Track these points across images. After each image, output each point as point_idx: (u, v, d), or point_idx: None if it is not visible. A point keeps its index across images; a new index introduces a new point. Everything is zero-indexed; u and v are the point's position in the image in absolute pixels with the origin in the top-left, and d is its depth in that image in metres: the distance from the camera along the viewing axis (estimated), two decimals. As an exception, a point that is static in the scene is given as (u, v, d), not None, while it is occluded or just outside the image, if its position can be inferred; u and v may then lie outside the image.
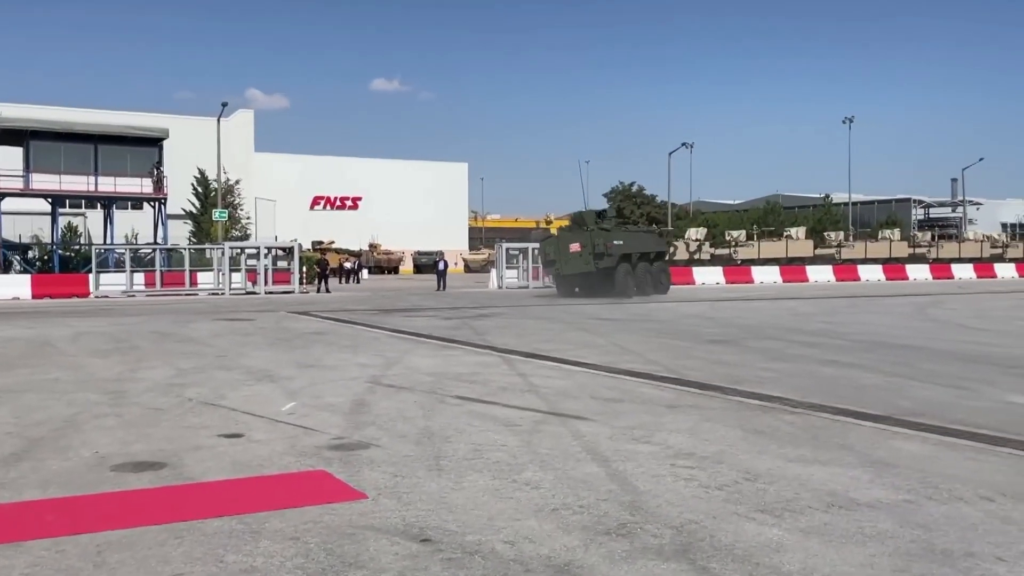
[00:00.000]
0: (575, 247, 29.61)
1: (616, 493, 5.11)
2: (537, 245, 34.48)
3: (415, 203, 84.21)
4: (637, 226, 44.10)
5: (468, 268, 72.40)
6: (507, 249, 39.46)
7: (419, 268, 69.84)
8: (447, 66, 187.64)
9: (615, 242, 29.62)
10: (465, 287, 39.64)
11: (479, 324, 17.92)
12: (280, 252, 36.05)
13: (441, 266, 38.40)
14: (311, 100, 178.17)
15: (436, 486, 5.28)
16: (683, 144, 72.17)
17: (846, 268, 47.65)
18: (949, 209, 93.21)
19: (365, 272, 57.90)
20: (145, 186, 41.54)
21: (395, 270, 72.62)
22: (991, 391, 8.81)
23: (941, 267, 49.91)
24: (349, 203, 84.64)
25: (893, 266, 49.16)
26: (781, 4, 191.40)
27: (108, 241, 43.55)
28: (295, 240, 38.55)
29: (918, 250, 57.57)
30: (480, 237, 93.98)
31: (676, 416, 7.59)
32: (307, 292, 34.82)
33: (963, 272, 49.26)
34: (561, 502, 4.93)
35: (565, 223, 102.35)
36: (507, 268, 38.62)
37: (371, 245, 74.25)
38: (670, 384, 9.46)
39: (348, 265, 51.32)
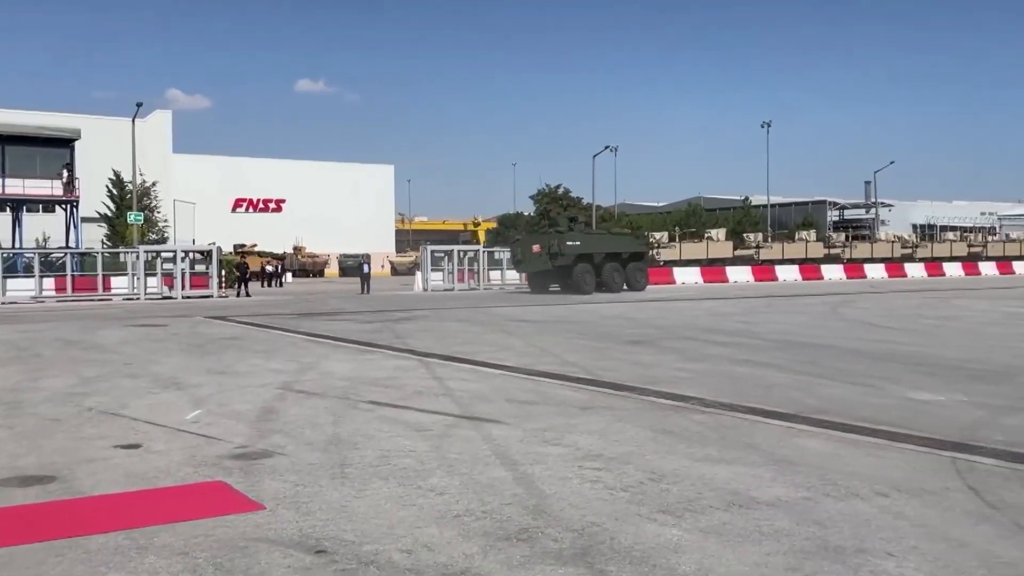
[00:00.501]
0: (536, 248, 32.72)
1: (521, 497, 5.06)
2: (462, 247, 37.90)
3: (341, 205, 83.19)
4: (610, 230, 46.55)
5: (395, 271, 71.86)
6: (432, 251, 39.28)
7: (345, 271, 68.95)
8: (373, 68, 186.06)
9: (569, 243, 32.14)
10: (390, 290, 39.29)
11: (400, 327, 17.75)
12: (198, 255, 35.16)
13: (365, 269, 37.97)
14: (234, 101, 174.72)
15: (338, 495, 5.15)
16: (607, 147, 72.82)
17: (764, 269, 48.70)
18: (863, 211, 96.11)
19: (288, 275, 56.93)
20: (56, 188, 40.08)
21: (320, 273, 71.58)
22: (895, 388, 9.06)
23: (854, 267, 51.40)
24: (272, 205, 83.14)
25: (809, 266, 50.45)
26: (704, 10, 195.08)
27: (17, 245, 41.88)
28: (214, 243, 37.66)
29: (833, 251, 59.16)
30: (407, 240, 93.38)
31: (589, 417, 7.59)
32: (226, 296, 34.06)
33: (875, 272, 50.82)
34: (465, 508, 4.86)
35: (492, 225, 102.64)
36: (432, 271, 38.43)
37: (295, 248, 73.04)
38: (585, 385, 9.48)
39: (270, 268, 50.37)
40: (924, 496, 5.00)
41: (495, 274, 39.94)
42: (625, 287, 33.86)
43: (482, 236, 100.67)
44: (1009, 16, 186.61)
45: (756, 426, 7.18)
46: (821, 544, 4.19)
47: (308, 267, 70.83)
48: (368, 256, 48.08)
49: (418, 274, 40.50)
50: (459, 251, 40.17)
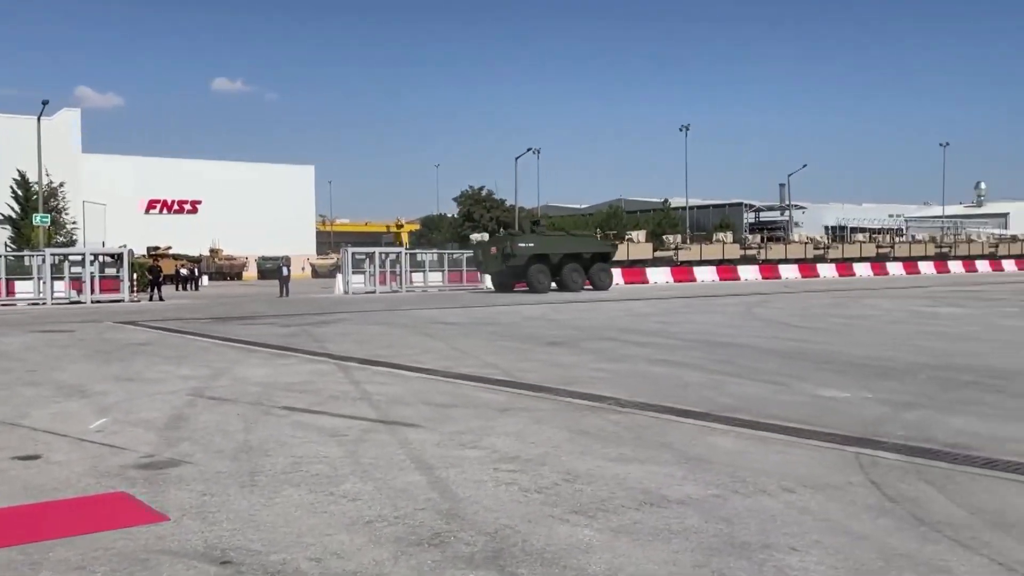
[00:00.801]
0: (493, 250, 35.09)
1: (435, 501, 5.03)
2: (384, 249, 38.95)
3: (259, 207, 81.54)
4: (571, 232, 48.86)
5: (316, 273, 70.86)
6: (353, 253, 38.85)
7: (263, 274, 67.67)
8: (293, 67, 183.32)
9: (521, 244, 34.28)
10: (310, 293, 38.72)
11: (319, 331, 17.49)
12: (108, 258, 34.04)
13: (284, 272, 37.33)
14: (148, 99, 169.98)
15: (247, 503, 5.04)
16: (529, 149, 73.22)
17: (683, 270, 49.57)
18: (777, 213, 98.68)
19: (205, 279, 55.62)
20: (-45, 188, 38.30)
21: (238, 276, 70.13)
22: (804, 386, 9.31)
23: (769, 268, 52.75)
24: (188, 207, 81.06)
25: (726, 267, 51.58)
26: (627, 12, 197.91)
27: (-88, 248, 39.87)
28: (125, 246, 36.53)
29: (749, 252, 60.59)
30: (329, 242, 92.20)
31: (507, 419, 7.60)
32: (138, 301, 33.06)
33: (789, 272, 52.26)
34: (377, 514, 4.80)
35: (416, 227, 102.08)
36: (353, 273, 38.01)
37: (212, 250, 71.39)
38: (505, 387, 9.48)
39: (185, 272, 49.10)
40: (828, 491, 5.14)
41: (418, 276, 39.74)
42: (589, 286, 35.68)
43: (405, 238, 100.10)
44: (916, 23, 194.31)
45: (670, 425, 7.28)
46: (728, 540, 4.26)
47: (225, 270, 69.32)
48: (288, 258, 47.24)
49: (339, 277, 40.02)
50: (381, 253, 39.83)
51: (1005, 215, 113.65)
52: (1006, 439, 6.51)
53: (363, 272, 38.51)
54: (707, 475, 5.57)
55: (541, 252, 34.52)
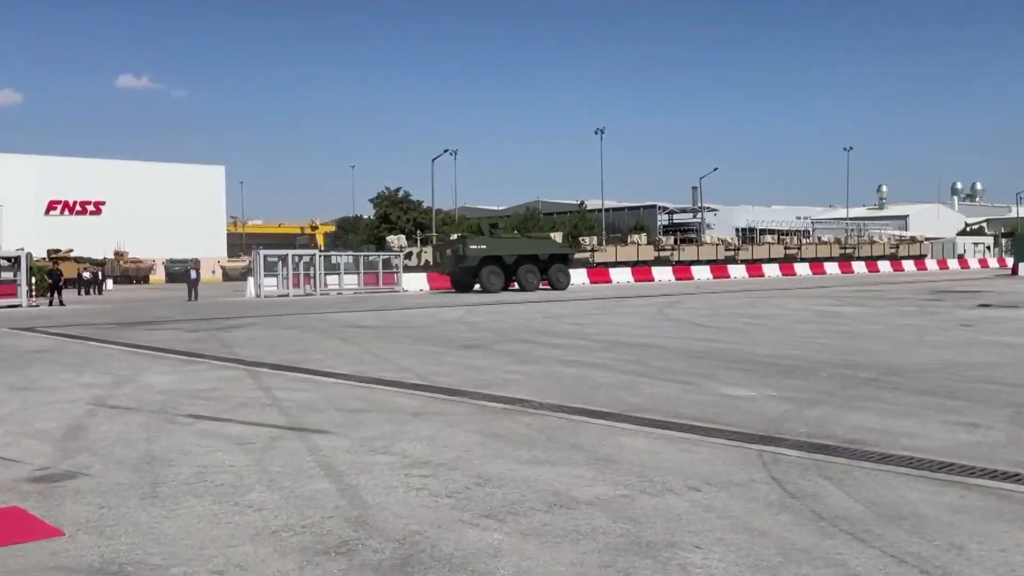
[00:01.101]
0: (448, 252, 36.97)
1: (344, 509, 4.96)
2: (297, 251, 39.56)
3: (167, 208, 79.26)
4: (528, 234, 50.34)
5: (227, 276, 69.18)
6: (265, 256, 38.10)
7: (171, 277, 65.74)
8: (202, 63, 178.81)
9: (473, 247, 35.97)
10: (220, 296, 37.83)
11: (228, 336, 17.09)
12: (4, 262, 32.61)
13: (193, 275, 36.36)
14: (48, 96, 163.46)
15: (147, 516, 4.88)
16: (446, 150, 73.11)
17: (599, 271, 50.16)
18: (690, 215, 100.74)
19: (109, 282, 53.74)
20: None
21: (144, 280, 68.01)
22: (711, 385, 9.52)
23: (682, 269, 53.81)
24: (91, 208, 78.26)
25: (641, 268, 52.40)
26: (544, 13, 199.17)
27: None
28: (22, 249, 35.05)
29: (663, 253, 61.76)
30: (240, 244, 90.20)
31: (419, 424, 7.55)
32: (37, 306, 31.76)
33: (701, 273, 53.39)
34: (284, 523, 4.71)
35: (331, 229, 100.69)
36: (266, 276, 37.27)
37: (117, 253, 69.03)
38: (418, 391, 9.43)
39: (87, 275, 47.35)
40: (732, 488, 5.27)
41: (333, 279, 39.21)
42: (547, 286, 37.55)
43: (320, 240, 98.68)
44: (823, 32, 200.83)
45: (581, 426, 7.35)
46: (634, 540, 4.32)
47: (131, 273, 67.14)
48: (197, 261, 46.06)
49: (251, 280, 39.19)
50: (294, 255, 39.18)
51: (905, 217, 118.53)
52: (900, 434, 6.78)
53: (276, 275, 37.82)
54: (616, 475, 5.64)
55: (494, 254, 36.07)
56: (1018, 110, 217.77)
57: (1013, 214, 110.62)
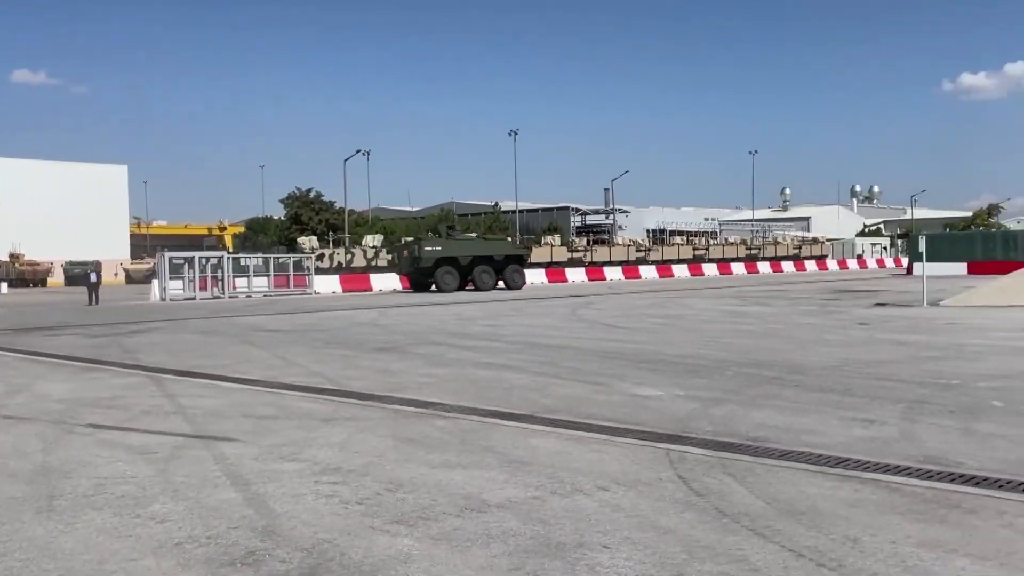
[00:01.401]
0: (405, 253, 38.48)
1: (251, 519, 4.87)
2: (204, 253, 39.24)
3: (66, 208, 76.32)
4: (484, 236, 50.49)
5: (130, 279, 66.96)
6: (171, 258, 37.04)
7: (71, 280, 63.27)
8: (104, 59, 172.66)
9: (428, 248, 37.25)
10: (123, 300, 36.60)
11: (131, 341, 16.56)
12: None
13: (94, 278, 35.07)
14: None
15: (43, 530, 4.70)
16: (359, 151, 72.29)
17: None
18: (603, 216, 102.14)
19: (3, 286, 51.43)
20: None
21: (42, 283, 65.33)
22: (621, 385, 9.67)
23: (595, 270, 54.52)
24: (-16, 208, 74.70)
25: (554, 269, 52.88)
26: (456, 15, 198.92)
27: None
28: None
29: (576, 254, 62.41)
30: (145, 245, 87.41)
31: (331, 429, 7.47)
32: (-74, 311, 30.17)
33: (614, 274, 54.19)
34: (187, 535, 4.60)
35: (240, 230, 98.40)
36: (171, 279, 36.24)
37: (11, 255, 66.08)
38: (330, 396, 9.32)
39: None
40: (639, 488, 5.37)
41: (242, 282, 38.38)
42: (503, 286, 38.69)
43: (229, 241, 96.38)
44: (731, 37, 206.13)
45: (494, 428, 7.38)
46: (544, 542, 4.37)
47: (27, 276, 64.41)
48: (98, 264, 44.56)
49: (155, 283, 38.03)
50: (201, 257, 38.19)
51: (807, 218, 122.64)
52: (801, 431, 7.02)
53: (182, 277, 36.80)
54: (528, 477, 5.68)
55: (449, 255, 37.43)
56: (913, 116, 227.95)
57: (908, 216, 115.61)
